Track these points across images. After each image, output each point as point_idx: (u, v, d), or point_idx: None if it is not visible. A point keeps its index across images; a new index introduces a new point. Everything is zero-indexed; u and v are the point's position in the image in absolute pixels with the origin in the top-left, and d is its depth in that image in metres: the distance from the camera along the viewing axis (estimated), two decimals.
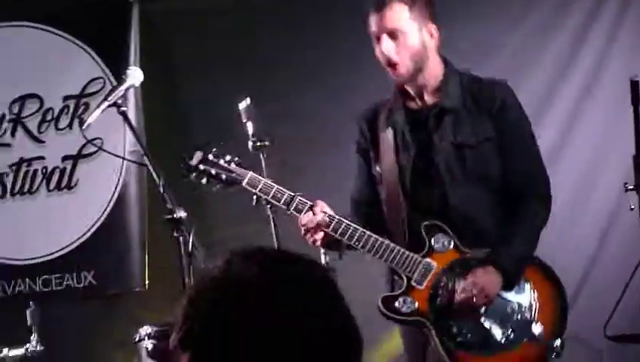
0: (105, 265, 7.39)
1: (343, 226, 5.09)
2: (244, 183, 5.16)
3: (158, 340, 5.72)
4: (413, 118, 5.19)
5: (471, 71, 5.40)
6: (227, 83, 6.79)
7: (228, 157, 5.20)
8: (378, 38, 5.06)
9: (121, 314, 7.18)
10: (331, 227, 5.08)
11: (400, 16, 5.04)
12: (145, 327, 5.77)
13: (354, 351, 2.09)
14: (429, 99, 5.14)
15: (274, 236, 5.23)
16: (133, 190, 7.36)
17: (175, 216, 5.00)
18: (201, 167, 5.20)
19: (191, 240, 5.02)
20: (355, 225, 5.12)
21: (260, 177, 5.16)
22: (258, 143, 5.16)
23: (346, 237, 5.09)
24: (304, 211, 5.09)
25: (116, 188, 7.38)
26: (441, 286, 5.10)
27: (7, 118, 7.50)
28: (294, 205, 5.10)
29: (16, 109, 7.48)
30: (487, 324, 5.08)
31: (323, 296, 2.06)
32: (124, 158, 6.83)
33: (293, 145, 6.05)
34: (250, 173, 5.15)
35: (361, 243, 5.10)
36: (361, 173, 5.40)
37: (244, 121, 5.22)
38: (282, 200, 5.12)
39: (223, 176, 5.18)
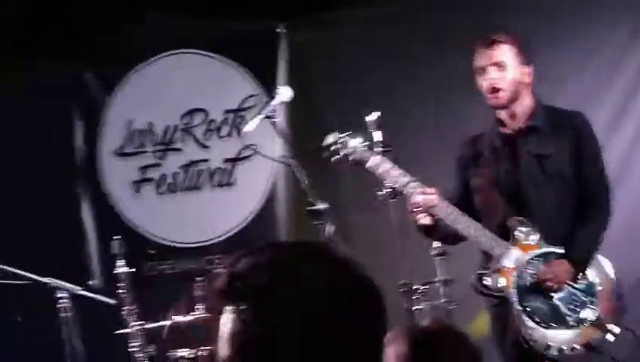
0: None
1: (451, 210, 5.39)
2: (368, 163, 5.45)
3: None
4: (506, 140, 5.52)
5: (549, 100, 5.69)
6: (357, 98, 6.95)
7: (359, 140, 5.55)
8: (483, 70, 5.42)
9: None
10: (443, 210, 5.36)
11: (506, 52, 5.43)
12: None
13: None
14: (519, 123, 5.48)
15: (395, 219, 5.57)
16: (281, 187, 7.61)
17: (316, 208, 5.36)
18: (333, 147, 5.54)
19: (329, 228, 5.35)
20: (460, 213, 5.41)
21: (384, 159, 5.44)
22: (385, 149, 5.56)
23: (451, 220, 5.40)
24: (419, 192, 5.36)
25: (268, 185, 7.67)
26: (523, 271, 5.40)
27: (179, 128, 7.76)
28: (413, 185, 5.38)
29: (186, 121, 7.76)
30: (557, 306, 5.37)
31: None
32: (274, 160, 6.94)
33: (409, 151, 6.15)
34: (376, 156, 5.47)
35: (463, 226, 5.41)
36: (458, 183, 5.69)
37: (372, 130, 5.62)
38: (401, 182, 5.39)
39: (351, 157, 5.50)
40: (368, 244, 6.16)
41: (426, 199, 5.38)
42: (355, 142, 5.55)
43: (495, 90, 5.43)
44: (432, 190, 5.41)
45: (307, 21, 7.58)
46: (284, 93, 5.83)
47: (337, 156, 5.55)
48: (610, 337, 5.34)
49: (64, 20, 7.57)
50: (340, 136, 5.56)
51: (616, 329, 5.37)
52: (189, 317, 6.42)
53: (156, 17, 7.66)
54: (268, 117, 5.70)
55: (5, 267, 6.18)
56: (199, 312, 6.40)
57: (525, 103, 5.52)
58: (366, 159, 5.49)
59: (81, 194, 7.89)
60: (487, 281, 5.44)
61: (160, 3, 7.57)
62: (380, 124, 5.68)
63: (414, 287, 5.80)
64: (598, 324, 5.38)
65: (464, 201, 5.64)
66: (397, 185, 5.44)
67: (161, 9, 7.60)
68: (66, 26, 7.59)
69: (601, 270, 5.49)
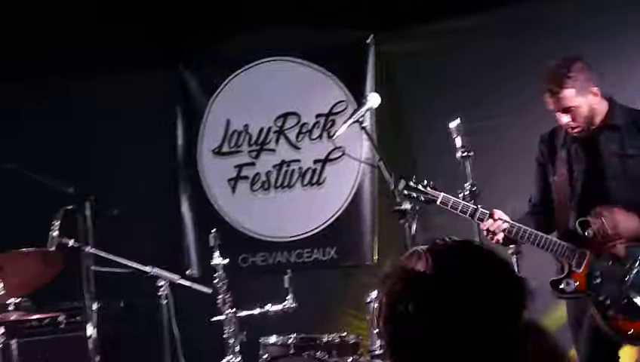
0: (344, 244, 7.55)
1: (515, 229, 5.35)
2: (437, 202, 5.42)
3: None
4: (583, 143, 5.43)
5: None
6: (440, 103, 6.89)
7: (424, 183, 5.45)
8: (556, 113, 5.35)
9: (355, 282, 7.26)
10: (507, 230, 5.34)
11: (570, 97, 5.29)
12: (374, 292, 5.84)
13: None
14: (597, 124, 5.39)
15: (477, 233, 5.45)
16: (367, 187, 7.49)
17: (402, 207, 5.25)
18: (405, 191, 5.45)
19: (414, 226, 5.23)
20: (524, 227, 5.37)
21: (449, 196, 5.41)
22: (465, 154, 5.50)
23: (519, 236, 5.37)
24: (485, 219, 5.34)
25: (354, 184, 7.54)
26: (595, 268, 5.34)
27: (273, 130, 7.75)
28: (477, 215, 5.36)
29: (279, 123, 7.75)
30: (631, 295, 5.28)
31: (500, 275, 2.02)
32: (361, 162, 7.01)
33: (489, 156, 6.12)
34: (442, 194, 5.42)
35: (531, 240, 5.36)
36: (538, 181, 5.63)
37: (454, 136, 5.55)
38: (468, 212, 5.39)
39: (422, 198, 5.43)
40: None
41: (493, 226, 5.37)
42: (424, 183, 5.49)
43: (571, 128, 5.39)
44: (498, 215, 5.39)
45: (394, 33, 7.52)
46: (373, 99, 5.76)
47: (408, 200, 5.42)
48: None
49: (169, 29, 7.65)
50: (409, 180, 5.49)
51: None
52: (278, 307, 6.34)
53: (254, 27, 7.64)
54: (357, 121, 5.64)
55: (112, 257, 6.16)
56: (288, 304, 6.33)
57: (600, 112, 5.41)
58: (435, 198, 5.46)
59: (183, 190, 7.95)
60: (562, 286, 5.41)
61: (258, 13, 7.56)
62: (461, 130, 5.58)
63: None
64: None
65: (544, 203, 5.63)
66: (466, 215, 5.43)
67: (259, 19, 7.58)
68: (172, 33, 7.66)
69: None
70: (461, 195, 5.56)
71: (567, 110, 5.34)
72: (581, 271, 5.38)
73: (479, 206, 5.42)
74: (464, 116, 5.67)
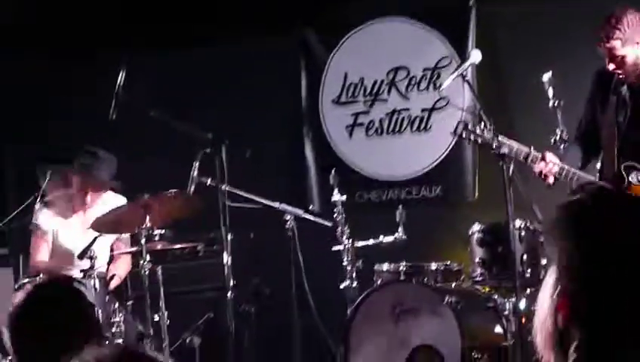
0: (448, 182, 7.56)
1: (565, 171, 5.34)
2: (493, 145, 5.37)
3: (482, 233, 5.99)
4: (633, 89, 5.41)
5: None
6: (535, 59, 6.73)
7: (482, 126, 5.43)
8: (605, 59, 5.35)
9: (459, 216, 7.23)
10: (557, 173, 5.33)
11: (616, 47, 5.29)
12: (475, 225, 6.08)
13: None
14: None
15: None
16: None
17: (501, 151, 5.31)
18: (464, 135, 5.50)
19: (511, 168, 5.29)
20: (573, 170, 5.36)
21: (504, 140, 5.38)
22: (556, 103, 5.51)
23: (568, 178, 5.35)
24: (537, 162, 5.35)
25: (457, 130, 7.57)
26: None
27: (385, 82, 7.70)
28: (530, 158, 5.36)
29: (391, 76, 7.69)
30: None
31: None
32: (464, 111, 6.84)
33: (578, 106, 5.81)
34: (500, 137, 5.38)
35: (576, 179, 5.33)
36: (586, 116, 5.62)
37: (547, 88, 5.54)
38: (522, 155, 5.36)
39: (479, 140, 5.45)
40: (542, 184, 6.00)
41: (545, 168, 5.35)
42: (481, 126, 5.47)
43: (618, 74, 5.38)
44: (550, 158, 5.36)
45: None
46: (475, 55, 5.78)
47: (467, 141, 5.57)
48: None
49: None
50: (467, 123, 5.55)
51: None
52: (390, 238, 6.36)
53: None
54: (461, 75, 5.65)
55: (244, 193, 6.29)
56: (399, 236, 6.33)
57: None
58: (489, 140, 5.42)
59: (306, 134, 7.99)
60: None
61: None
62: (552, 82, 5.57)
63: None
64: None
65: (590, 137, 5.59)
66: (520, 157, 5.40)
67: None
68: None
69: None
70: (552, 140, 5.53)
71: (613, 59, 5.33)
72: None
73: (532, 148, 5.39)
74: (555, 69, 5.66)
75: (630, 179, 5.35)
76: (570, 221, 1.95)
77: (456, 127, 5.54)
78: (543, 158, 5.37)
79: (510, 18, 7.38)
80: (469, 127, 5.51)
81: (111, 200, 6.44)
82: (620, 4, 5.49)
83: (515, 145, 5.42)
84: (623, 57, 5.33)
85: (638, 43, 5.34)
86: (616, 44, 5.31)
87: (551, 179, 5.40)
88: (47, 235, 6.42)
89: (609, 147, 5.48)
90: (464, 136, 5.51)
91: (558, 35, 7.09)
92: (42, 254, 6.42)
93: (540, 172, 5.39)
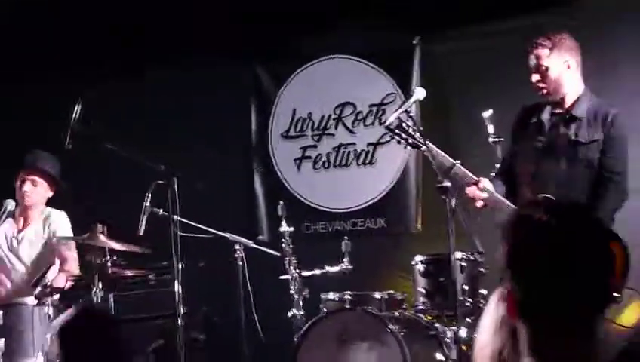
0: (392, 214, 7.52)
1: (493, 199, 5.27)
2: (422, 148, 5.32)
3: (425, 264, 5.95)
4: (553, 118, 5.37)
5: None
6: (476, 96, 6.76)
7: (415, 128, 5.33)
8: (530, 70, 5.34)
9: (402, 247, 7.18)
10: (488, 199, 5.26)
11: (541, 56, 5.30)
12: (417, 256, 6.01)
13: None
14: (565, 108, 5.34)
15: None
16: (412, 166, 7.44)
17: (444, 184, 5.18)
18: (397, 130, 5.34)
19: (453, 202, 5.17)
20: (502, 199, 5.29)
21: (438, 151, 5.32)
22: (496, 139, 5.55)
23: (496, 206, 5.26)
24: (470, 184, 5.28)
25: (401, 164, 7.48)
26: None
27: (332, 117, 7.71)
28: (461, 176, 5.28)
29: (338, 112, 7.71)
30: None
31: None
32: (408, 144, 6.94)
33: None
34: (428, 142, 5.32)
35: (503, 208, 5.20)
36: (509, 151, 5.56)
37: (487, 124, 5.56)
38: (445, 166, 5.27)
39: (410, 140, 5.31)
40: (485, 215, 5.96)
41: (475, 193, 5.32)
42: (414, 127, 5.37)
43: (538, 88, 5.37)
44: (483, 184, 5.31)
45: (437, 35, 7.40)
46: (420, 92, 5.64)
47: (397, 138, 5.36)
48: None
49: (243, 30, 7.59)
50: (402, 121, 5.35)
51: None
52: (336, 268, 6.35)
53: (317, 29, 7.58)
54: (405, 111, 5.50)
55: (194, 224, 6.22)
56: (344, 265, 6.33)
57: (572, 90, 5.39)
58: (420, 144, 5.33)
59: (256, 167, 7.96)
60: None
61: (320, 18, 7.46)
62: (492, 119, 5.59)
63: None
64: None
65: (509, 170, 5.54)
66: (442, 169, 5.30)
67: (321, 23, 7.51)
68: (246, 34, 7.60)
69: None
70: (492, 174, 5.52)
71: (537, 68, 5.34)
72: None
73: (457, 162, 5.33)
74: (496, 105, 5.69)
75: None
76: (508, 225, 2.10)
77: (392, 122, 5.36)
78: (477, 183, 5.33)
79: (453, 56, 7.38)
80: (403, 125, 5.38)
81: (53, 215, 6.50)
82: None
83: (440, 153, 5.36)
84: (547, 68, 5.32)
85: (566, 62, 5.33)
86: (542, 52, 5.33)
87: (479, 204, 5.35)
88: None
89: (524, 174, 5.46)
90: (396, 131, 5.37)
91: (498, 71, 7.10)
92: None
93: (470, 196, 5.35)
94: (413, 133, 5.34)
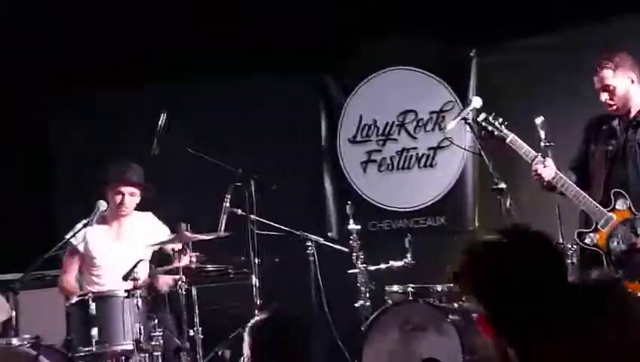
0: (452, 213, 7.59)
1: (559, 179, 5.43)
2: (507, 140, 5.51)
3: None
4: (622, 124, 5.51)
5: None
6: (529, 104, 6.76)
7: (500, 120, 5.55)
8: (598, 91, 5.47)
9: (460, 243, 7.21)
10: (553, 177, 5.42)
11: (607, 76, 5.43)
12: None
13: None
14: (632, 115, 5.48)
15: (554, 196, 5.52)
16: (469, 169, 7.50)
17: (499, 186, 5.39)
18: (484, 123, 5.59)
19: (508, 201, 5.35)
20: (567, 180, 5.43)
21: (517, 138, 5.51)
22: (547, 144, 5.60)
23: (560, 185, 5.44)
24: (537, 162, 5.46)
25: (460, 167, 7.56)
26: (616, 232, 5.36)
27: (396, 124, 7.78)
28: (535, 159, 5.45)
29: (401, 119, 7.79)
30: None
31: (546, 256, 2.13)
32: (465, 149, 6.99)
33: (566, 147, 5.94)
34: (512, 135, 5.51)
35: (570, 192, 5.42)
36: (580, 151, 5.68)
37: (539, 130, 5.62)
38: (529, 156, 5.48)
39: (495, 132, 5.54)
40: (535, 214, 6.14)
41: (543, 170, 5.43)
42: (500, 120, 5.60)
43: (609, 105, 5.46)
44: (549, 163, 5.45)
45: (492, 48, 7.48)
46: (476, 101, 5.87)
47: (484, 131, 5.61)
48: None
49: (317, 40, 7.61)
50: (487, 115, 5.61)
51: None
52: (399, 263, 6.43)
53: (383, 42, 7.64)
54: (463, 118, 5.76)
55: (270, 222, 6.33)
56: (407, 260, 6.43)
57: (636, 102, 5.48)
58: (506, 136, 5.55)
59: (325, 170, 8.05)
60: (586, 238, 5.43)
61: (386, 30, 7.54)
62: (544, 125, 5.66)
63: (568, 246, 5.67)
64: None
65: (582, 168, 5.64)
66: (527, 157, 5.48)
67: (387, 35, 7.57)
68: (318, 45, 7.64)
69: None
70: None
71: (605, 88, 5.43)
72: (605, 230, 5.38)
73: (539, 153, 5.47)
74: (545, 114, 5.72)
75: (616, 205, 5.40)
76: (471, 253, 2.20)
77: (478, 117, 5.58)
78: (544, 162, 5.46)
79: (507, 67, 7.42)
80: (490, 118, 5.59)
81: (143, 219, 6.51)
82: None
83: (525, 145, 5.53)
84: (615, 88, 5.42)
85: (629, 78, 5.44)
86: (607, 73, 5.43)
87: (548, 176, 5.45)
88: (78, 253, 6.40)
89: (598, 174, 5.54)
90: (484, 124, 5.58)
91: (548, 81, 7.13)
92: (70, 272, 6.43)
93: (537, 172, 5.46)
94: (499, 126, 5.55)
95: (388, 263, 6.42)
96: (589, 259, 5.45)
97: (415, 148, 7.80)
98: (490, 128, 5.58)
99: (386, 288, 6.34)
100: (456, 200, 7.63)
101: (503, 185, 5.42)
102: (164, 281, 6.18)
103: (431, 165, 7.74)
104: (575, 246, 5.73)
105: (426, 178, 7.74)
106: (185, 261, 5.91)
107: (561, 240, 5.70)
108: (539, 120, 5.69)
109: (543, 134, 5.66)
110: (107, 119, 8.09)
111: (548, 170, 5.46)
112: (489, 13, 7.14)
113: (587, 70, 5.66)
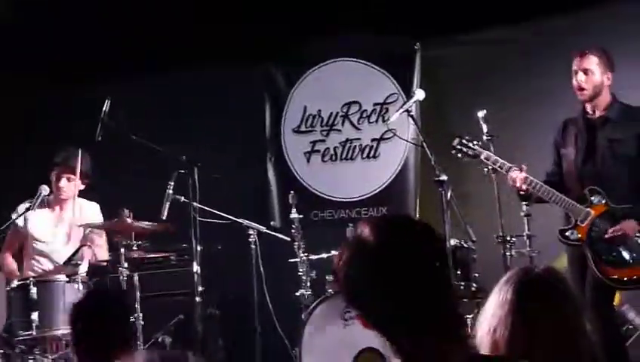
0: (393, 204, 7.51)
1: (535, 184, 5.44)
2: (482, 156, 5.56)
3: None
4: (588, 123, 5.51)
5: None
6: (471, 97, 6.78)
7: (474, 141, 5.60)
8: (575, 73, 5.47)
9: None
10: (529, 182, 5.43)
11: (592, 61, 5.46)
12: None
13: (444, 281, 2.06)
14: (599, 113, 5.48)
15: (495, 189, 5.60)
16: (411, 161, 7.46)
17: (440, 178, 5.35)
18: (458, 146, 5.60)
19: (449, 193, 5.37)
20: (543, 184, 5.46)
21: (491, 154, 5.57)
22: (489, 137, 5.66)
23: (537, 190, 5.46)
24: (513, 170, 5.43)
25: (402, 159, 7.52)
26: (595, 226, 5.43)
27: (340, 114, 7.74)
28: (509, 169, 5.49)
29: (345, 110, 7.74)
30: (621, 251, 5.33)
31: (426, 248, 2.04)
32: (407, 141, 6.98)
33: (508, 138, 6.07)
34: (486, 152, 5.58)
35: (547, 196, 5.45)
36: (554, 159, 5.70)
37: (482, 123, 5.66)
38: (504, 168, 5.48)
39: (470, 152, 5.56)
40: (476, 206, 6.09)
41: (518, 177, 5.47)
42: (473, 141, 5.61)
43: (581, 88, 5.48)
44: (525, 170, 5.48)
45: (437, 41, 7.45)
46: (419, 94, 5.84)
47: (459, 153, 5.63)
48: None
49: (259, 31, 7.59)
50: (462, 137, 5.61)
51: None
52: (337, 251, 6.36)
53: (328, 33, 7.58)
54: (406, 110, 5.71)
55: (212, 210, 6.27)
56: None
57: (605, 100, 5.51)
58: (480, 153, 5.59)
59: (269, 159, 7.97)
60: (568, 234, 5.50)
61: (331, 22, 7.45)
62: (486, 118, 5.68)
63: (507, 238, 5.78)
64: None
65: (558, 171, 5.68)
66: (502, 169, 5.53)
67: (332, 26, 7.51)
68: (262, 36, 7.59)
69: None
70: (485, 169, 5.63)
71: (585, 71, 5.45)
72: (584, 225, 5.44)
73: (512, 165, 5.51)
74: (488, 107, 5.73)
75: (592, 200, 5.44)
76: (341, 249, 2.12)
77: (454, 141, 5.58)
78: (520, 169, 5.49)
79: (451, 60, 7.43)
80: (464, 140, 5.59)
81: (87, 208, 6.51)
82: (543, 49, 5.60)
83: (499, 159, 5.56)
84: (593, 73, 5.45)
85: (607, 75, 5.47)
86: (592, 58, 5.46)
87: (523, 187, 5.47)
88: (19, 232, 6.42)
89: (572, 174, 5.58)
90: (458, 147, 5.58)
91: (491, 75, 7.15)
92: (9, 250, 6.45)
93: (514, 179, 5.49)
94: (473, 146, 5.56)
95: (329, 253, 6.34)
96: (575, 255, 5.52)
97: (359, 139, 7.78)
98: (464, 150, 5.57)
99: (327, 277, 6.24)
100: (398, 192, 7.60)
101: (444, 177, 5.38)
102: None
103: (374, 156, 7.71)
104: (514, 239, 5.81)
105: (368, 169, 7.72)
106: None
107: (500, 233, 5.77)
108: (481, 113, 5.70)
109: (485, 127, 5.68)
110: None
111: (524, 175, 5.50)
112: (433, 8, 7.13)
113: (528, 64, 5.62)
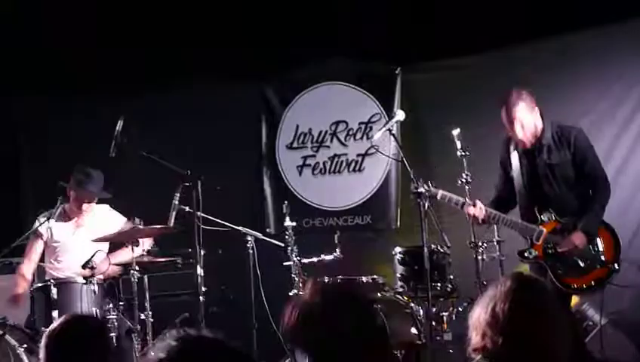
0: (376, 213, 7.59)
1: (491, 213, 5.49)
2: (437, 197, 5.55)
3: (403, 254, 6.02)
4: (525, 152, 5.52)
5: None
6: (446, 117, 6.73)
7: (427, 185, 5.49)
8: (509, 123, 5.41)
9: (384, 240, 7.23)
10: (487, 214, 5.46)
11: (521, 110, 5.39)
12: (397, 247, 6.10)
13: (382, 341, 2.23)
14: (534, 141, 5.47)
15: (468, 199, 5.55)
16: (393, 174, 7.52)
17: (418, 190, 5.42)
18: (414, 191, 5.45)
19: (426, 204, 5.40)
20: (498, 213, 5.46)
21: (445, 193, 5.53)
22: (463, 153, 5.68)
23: (493, 219, 5.53)
24: (467, 206, 5.49)
25: (384, 172, 7.56)
26: (548, 242, 5.41)
27: (328, 132, 7.76)
28: (465, 205, 5.50)
29: (333, 128, 7.76)
30: (577, 260, 5.36)
31: (360, 310, 2.21)
32: (389, 157, 6.97)
33: (477, 153, 6.00)
34: (440, 191, 5.53)
35: (503, 222, 5.53)
36: (501, 175, 5.76)
37: (456, 141, 5.66)
38: (459, 204, 5.50)
39: (427, 194, 5.45)
40: (451, 217, 6.14)
41: (474, 212, 5.46)
42: (429, 184, 5.55)
43: (521, 141, 5.46)
44: (479, 205, 5.47)
45: (415, 66, 7.53)
46: (400, 114, 5.88)
47: (418, 198, 5.49)
48: (613, 272, 5.36)
49: (255, 55, 7.60)
50: (418, 186, 5.50)
51: (616, 266, 5.36)
52: (329, 256, 6.36)
53: (318, 58, 7.65)
54: (388, 129, 5.75)
55: (213, 218, 6.23)
56: (336, 254, 6.34)
57: (538, 129, 5.48)
58: (435, 194, 5.54)
59: (265, 172, 7.96)
60: (527, 254, 5.50)
61: (321, 47, 7.50)
62: (460, 136, 5.70)
63: (479, 244, 5.80)
64: (604, 265, 5.37)
65: (506, 191, 5.68)
66: (457, 205, 5.53)
67: (322, 52, 7.58)
68: (257, 60, 7.62)
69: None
70: (459, 182, 5.65)
71: (518, 120, 5.38)
72: (539, 243, 5.45)
73: (466, 199, 5.50)
74: (462, 126, 5.76)
75: (542, 218, 5.46)
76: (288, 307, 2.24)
77: (416, 187, 5.48)
78: (474, 205, 5.48)
79: (429, 84, 7.46)
80: (419, 184, 5.50)
81: (100, 212, 6.48)
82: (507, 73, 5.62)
83: (454, 196, 5.54)
84: (523, 123, 5.40)
85: (533, 109, 5.43)
86: (522, 107, 5.39)
87: (481, 218, 5.49)
88: (41, 238, 6.37)
89: (521, 195, 5.59)
90: (414, 192, 5.49)
91: (465, 97, 7.18)
92: (29, 257, 6.38)
93: (473, 215, 5.48)
94: (429, 188, 5.48)
95: (319, 256, 6.38)
96: (536, 270, 5.47)
97: (345, 154, 7.79)
98: (422, 190, 5.46)
99: (318, 279, 6.04)
100: (381, 202, 7.62)
101: (421, 190, 5.43)
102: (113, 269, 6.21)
103: (359, 170, 7.73)
104: (485, 245, 5.82)
105: (354, 181, 7.73)
106: (138, 252, 5.96)
107: (473, 239, 5.78)
108: (455, 131, 5.72)
109: (459, 144, 5.69)
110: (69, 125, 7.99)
111: (478, 210, 5.49)
112: (412, 37, 7.22)
113: (497, 87, 5.67)
